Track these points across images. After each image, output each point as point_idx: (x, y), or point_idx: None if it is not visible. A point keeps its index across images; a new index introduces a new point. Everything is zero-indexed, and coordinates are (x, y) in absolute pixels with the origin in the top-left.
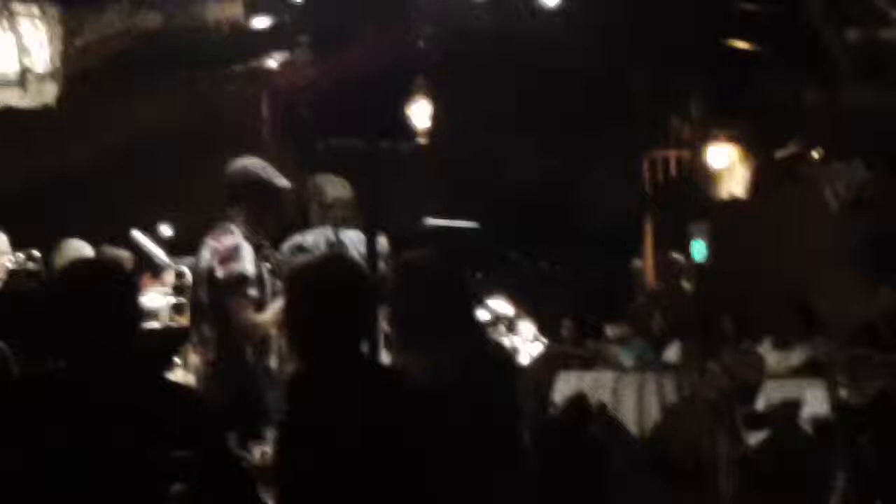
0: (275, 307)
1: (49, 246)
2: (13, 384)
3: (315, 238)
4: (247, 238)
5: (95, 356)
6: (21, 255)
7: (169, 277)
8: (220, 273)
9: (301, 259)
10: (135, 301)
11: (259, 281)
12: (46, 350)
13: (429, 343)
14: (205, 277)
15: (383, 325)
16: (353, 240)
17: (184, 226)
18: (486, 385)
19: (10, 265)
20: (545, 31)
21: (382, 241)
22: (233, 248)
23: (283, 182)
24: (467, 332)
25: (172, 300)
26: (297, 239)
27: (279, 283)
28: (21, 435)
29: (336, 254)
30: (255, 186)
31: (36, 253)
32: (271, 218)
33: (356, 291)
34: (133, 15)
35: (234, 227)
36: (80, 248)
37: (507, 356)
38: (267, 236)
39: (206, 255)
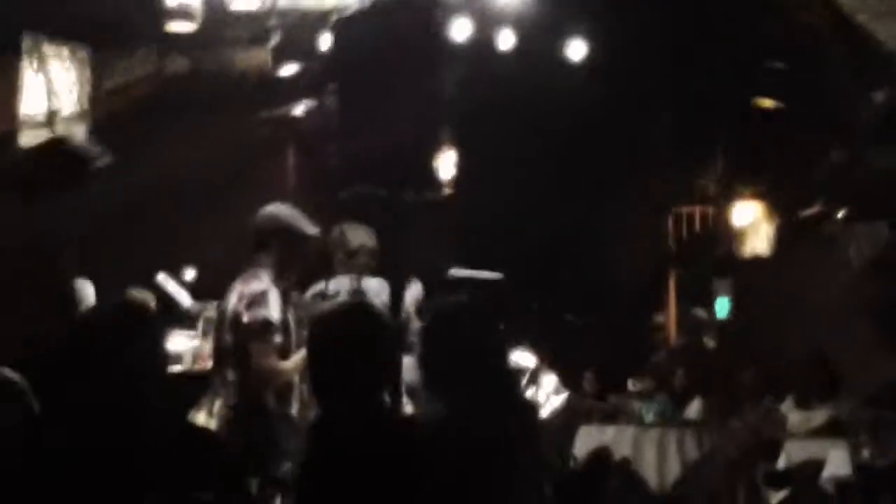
0: (298, 355)
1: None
2: (35, 421)
3: (337, 285)
4: (274, 284)
5: (120, 398)
6: None
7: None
8: (245, 318)
9: (323, 306)
10: (160, 344)
11: (284, 328)
12: (71, 388)
13: (454, 392)
14: (230, 322)
15: (406, 374)
16: (375, 288)
17: (207, 270)
18: (509, 438)
19: None
20: (571, 82)
21: (417, 289)
22: (259, 293)
23: (311, 229)
24: (494, 383)
25: (195, 344)
26: (320, 286)
27: (304, 332)
28: (42, 472)
29: (359, 302)
30: (284, 233)
31: None
32: (299, 265)
33: (378, 340)
34: (161, 59)
35: (262, 273)
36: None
37: (533, 409)
38: (294, 283)
39: (232, 300)
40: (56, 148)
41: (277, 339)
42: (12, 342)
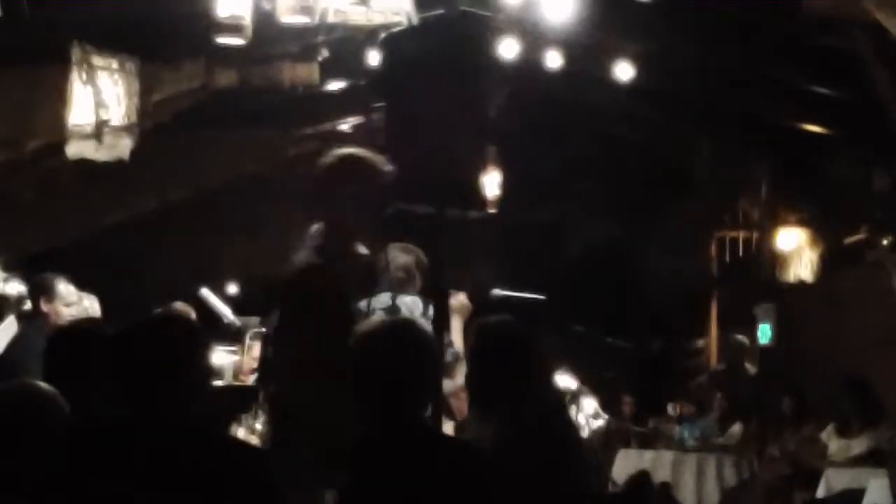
0: None
1: (119, 298)
2: (71, 435)
3: (375, 303)
4: None
5: (161, 411)
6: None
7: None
8: None
9: (362, 323)
10: (205, 358)
11: None
12: (109, 400)
13: (498, 411)
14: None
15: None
16: (408, 304)
17: (250, 284)
18: (550, 460)
19: (73, 315)
20: (617, 103)
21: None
22: None
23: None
24: (537, 402)
25: (236, 359)
26: (363, 304)
27: None
28: (77, 488)
29: (402, 319)
30: None
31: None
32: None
33: (419, 357)
34: (209, 72)
35: None
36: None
37: (575, 431)
38: None
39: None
40: None
41: None
42: None
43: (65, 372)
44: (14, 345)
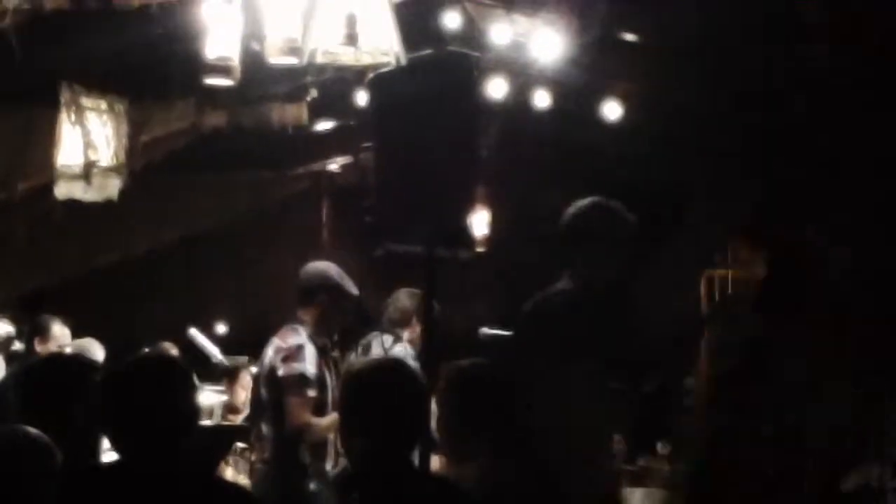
0: (334, 415)
1: (109, 338)
2: (62, 477)
3: (375, 343)
4: (312, 339)
5: (150, 452)
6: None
7: (244, 378)
8: (281, 371)
9: (355, 363)
10: (192, 398)
11: (320, 382)
12: (97, 442)
13: (472, 454)
14: (266, 375)
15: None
16: (381, 341)
17: (239, 324)
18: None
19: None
20: (607, 142)
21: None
22: (296, 347)
23: (353, 289)
24: (513, 447)
25: (225, 398)
26: (363, 341)
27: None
28: None
29: (391, 358)
30: (332, 291)
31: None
32: (339, 322)
33: (408, 396)
34: (199, 113)
35: (300, 328)
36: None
37: (553, 475)
38: (332, 340)
39: (269, 353)
40: None
41: (312, 393)
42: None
43: (44, 408)
44: (3, 386)
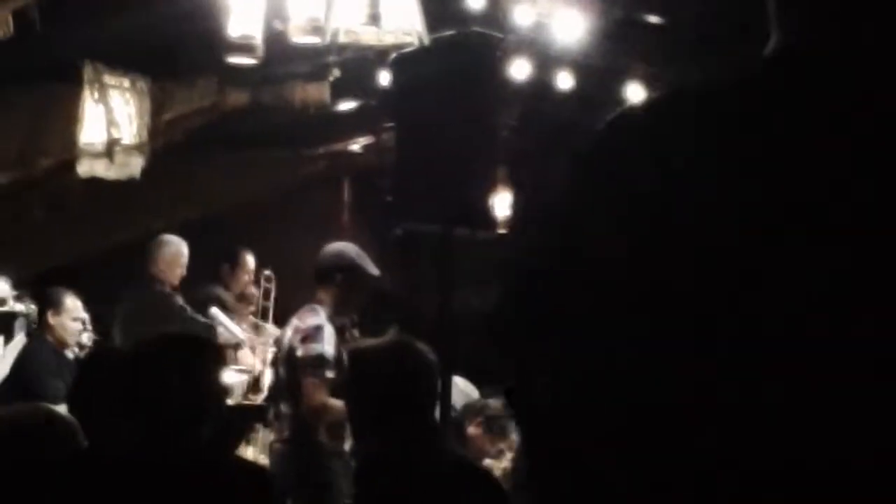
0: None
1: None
2: (84, 458)
3: None
4: (330, 320)
5: (173, 431)
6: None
7: (246, 355)
8: (299, 352)
9: (363, 343)
10: (218, 377)
11: (338, 363)
12: (123, 422)
13: (367, 439)
14: (285, 355)
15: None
16: None
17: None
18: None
19: (88, 335)
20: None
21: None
22: (314, 328)
23: (373, 269)
24: (415, 431)
25: (247, 377)
26: None
27: None
28: None
29: (402, 337)
30: (348, 271)
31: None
32: (358, 302)
33: (419, 376)
34: (221, 92)
35: (319, 308)
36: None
37: (464, 465)
38: (351, 320)
39: (288, 334)
40: None
41: (330, 374)
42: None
43: (91, 401)
44: (22, 360)
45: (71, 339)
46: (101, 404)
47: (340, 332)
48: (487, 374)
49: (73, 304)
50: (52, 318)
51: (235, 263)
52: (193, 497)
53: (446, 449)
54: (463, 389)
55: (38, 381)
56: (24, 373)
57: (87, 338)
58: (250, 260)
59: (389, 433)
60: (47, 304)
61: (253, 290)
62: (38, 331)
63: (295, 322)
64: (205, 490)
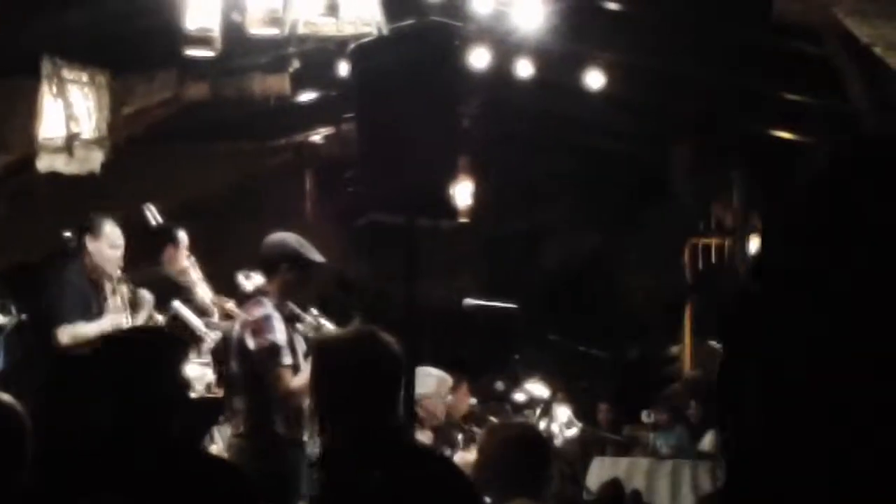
0: (306, 371)
1: None
2: (49, 452)
3: None
4: (277, 308)
5: (139, 426)
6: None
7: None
8: (252, 344)
9: (329, 332)
10: (182, 370)
11: (291, 347)
12: (92, 415)
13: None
14: (235, 349)
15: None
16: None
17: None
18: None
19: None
20: (590, 112)
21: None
22: (262, 318)
23: (317, 257)
24: (379, 422)
25: (209, 371)
26: None
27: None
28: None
29: (367, 328)
30: (292, 260)
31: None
32: (303, 291)
33: (384, 366)
34: (181, 85)
35: (264, 300)
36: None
37: (434, 461)
38: (306, 309)
39: (236, 328)
40: None
41: (287, 360)
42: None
43: (60, 394)
44: (53, 285)
45: (108, 266)
46: (71, 397)
47: (289, 320)
48: (458, 363)
49: (112, 232)
50: (90, 243)
51: (172, 243)
52: (166, 491)
53: (410, 440)
54: (437, 376)
55: (60, 298)
56: (55, 300)
57: (119, 268)
58: (184, 238)
59: (353, 424)
60: (87, 228)
61: (189, 266)
62: (74, 254)
63: (242, 316)
64: (178, 485)
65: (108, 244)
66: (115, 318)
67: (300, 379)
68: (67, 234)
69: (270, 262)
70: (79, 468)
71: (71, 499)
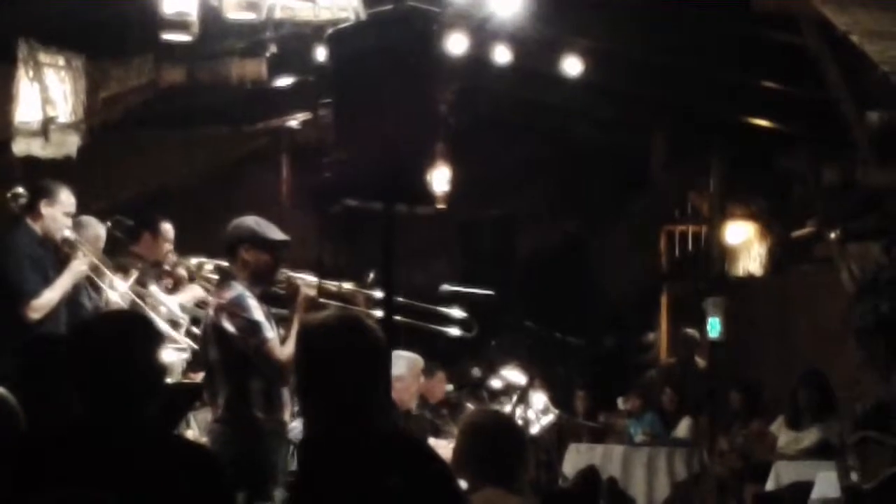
0: (291, 342)
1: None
2: (24, 439)
3: None
4: (248, 289)
5: (117, 409)
6: None
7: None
8: (230, 327)
9: (313, 316)
10: (158, 355)
11: (269, 321)
12: (67, 401)
13: (319, 412)
14: (211, 334)
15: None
16: None
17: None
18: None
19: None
20: (568, 99)
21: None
22: (235, 299)
23: (277, 235)
24: (362, 407)
25: (186, 356)
26: None
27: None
28: (30, 491)
29: (350, 313)
30: (250, 240)
31: None
32: (267, 268)
33: (367, 352)
34: (158, 69)
35: (234, 283)
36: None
37: (415, 447)
38: (267, 287)
39: (210, 313)
40: None
41: (271, 333)
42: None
43: (35, 379)
44: (7, 255)
45: (58, 234)
46: (45, 382)
47: (260, 299)
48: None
49: (67, 199)
50: (44, 208)
51: (154, 232)
52: (143, 476)
53: (392, 426)
54: (408, 357)
55: (17, 271)
56: (4, 260)
57: (69, 234)
58: (169, 229)
59: (335, 407)
60: (42, 192)
61: (172, 257)
62: (25, 214)
63: (214, 300)
64: (155, 470)
65: (63, 210)
66: (76, 265)
67: (288, 348)
68: (19, 189)
69: (230, 245)
70: (52, 455)
71: (44, 486)
